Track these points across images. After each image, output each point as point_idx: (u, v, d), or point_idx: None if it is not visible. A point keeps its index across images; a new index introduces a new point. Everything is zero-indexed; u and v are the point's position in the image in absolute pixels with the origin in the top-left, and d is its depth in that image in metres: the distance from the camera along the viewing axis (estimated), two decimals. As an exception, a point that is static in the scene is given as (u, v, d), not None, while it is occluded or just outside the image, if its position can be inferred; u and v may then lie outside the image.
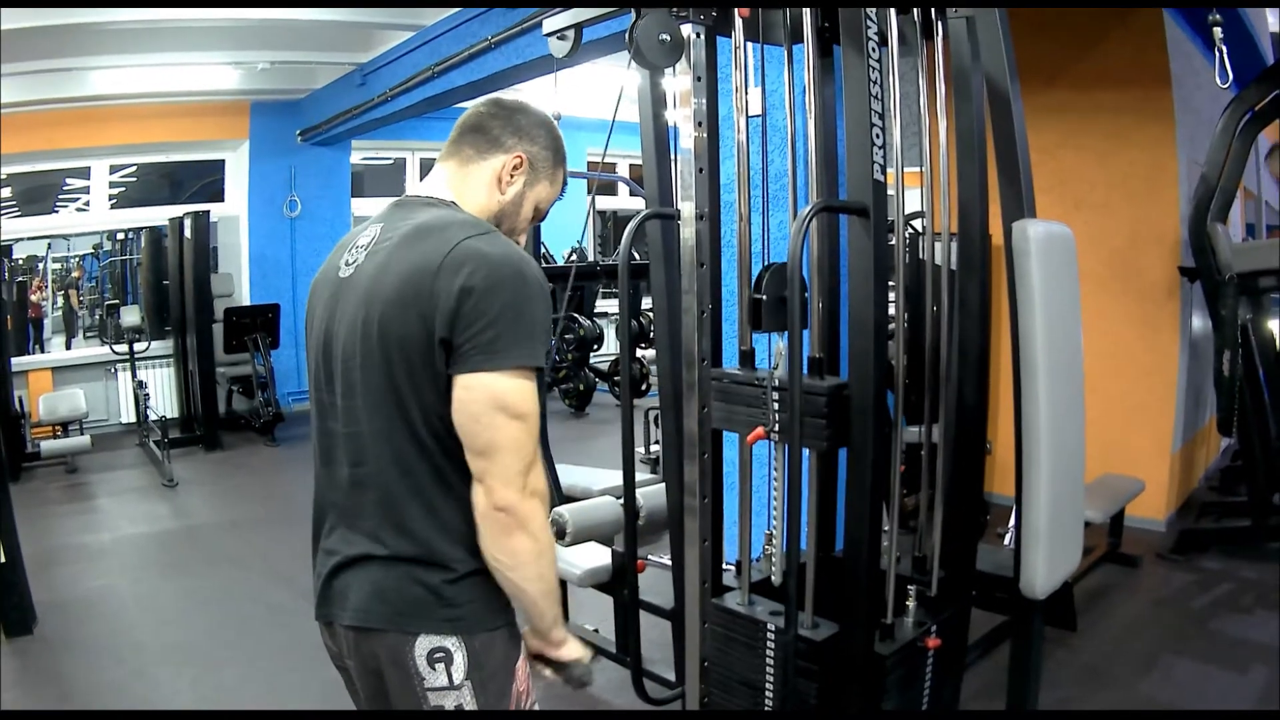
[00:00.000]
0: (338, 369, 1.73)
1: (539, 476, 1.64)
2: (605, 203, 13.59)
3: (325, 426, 1.79)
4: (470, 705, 1.66)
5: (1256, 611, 4.53)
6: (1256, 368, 5.18)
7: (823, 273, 2.84)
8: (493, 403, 1.58)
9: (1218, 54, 3.63)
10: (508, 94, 2.39)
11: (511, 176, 1.87)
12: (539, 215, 1.98)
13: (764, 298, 2.60)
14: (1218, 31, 3.66)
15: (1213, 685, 3.84)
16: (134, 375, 9.12)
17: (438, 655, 1.64)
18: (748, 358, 2.74)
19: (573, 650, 1.84)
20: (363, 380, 1.67)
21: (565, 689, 1.91)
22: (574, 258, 10.94)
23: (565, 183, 2.03)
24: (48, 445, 8.04)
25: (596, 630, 4.13)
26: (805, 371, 2.51)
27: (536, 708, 1.83)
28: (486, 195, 1.86)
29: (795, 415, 2.35)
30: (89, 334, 10.61)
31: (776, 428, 2.56)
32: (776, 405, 2.54)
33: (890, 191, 2.52)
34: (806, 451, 2.63)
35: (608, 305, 12.22)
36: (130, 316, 9.16)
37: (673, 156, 3.09)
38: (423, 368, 1.61)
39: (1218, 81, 3.67)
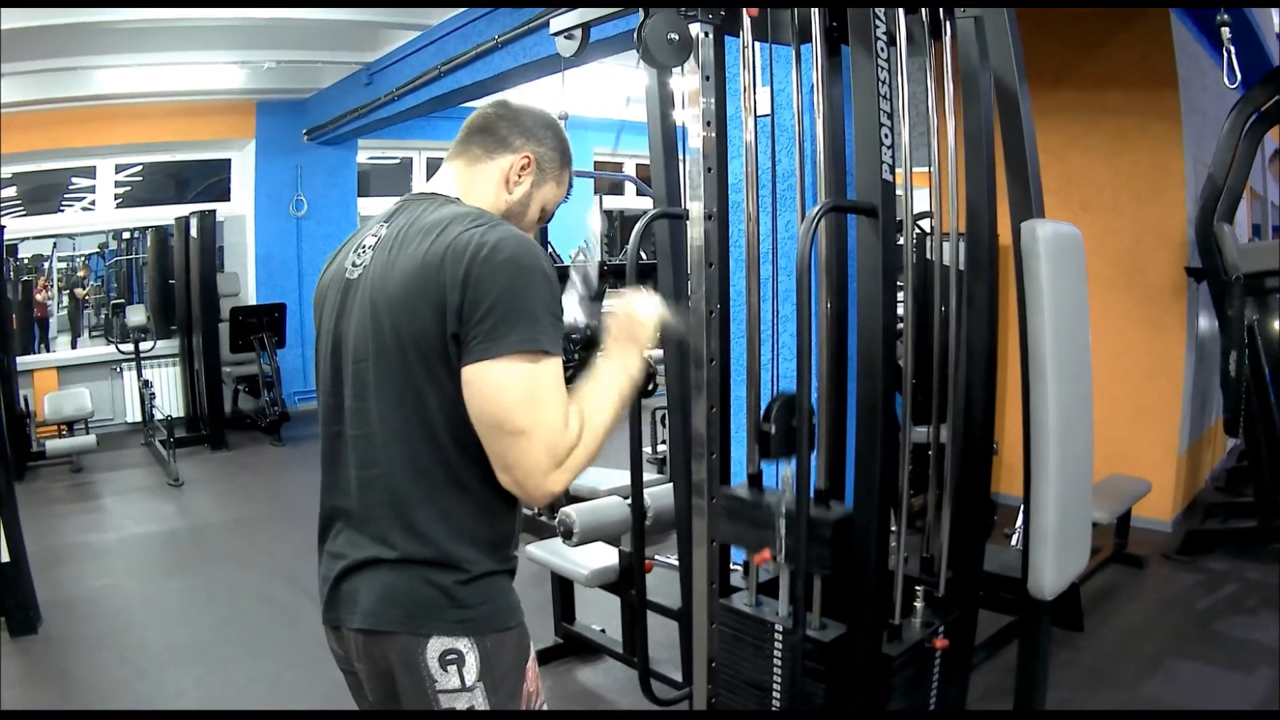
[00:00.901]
0: (347, 370, 1.72)
1: (562, 447, 1.59)
2: (612, 202, 13.58)
3: (332, 429, 1.77)
4: (482, 706, 1.65)
5: (1261, 613, 4.52)
6: (1263, 368, 5.17)
7: (830, 272, 2.83)
8: (493, 412, 1.56)
9: (1225, 55, 3.63)
10: (514, 94, 2.40)
11: (519, 177, 1.87)
12: (545, 216, 1.97)
13: (772, 430, 2.61)
14: (1225, 32, 3.66)
15: (1218, 687, 3.83)
16: (139, 375, 9.13)
17: (450, 657, 1.63)
18: (755, 480, 2.76)
19: (644, 328, 1.87)
20: (376, 380, 1.66)
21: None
22: (580, 257, 10.93)
23: (571, 184, 2.03)
24: (53, 444, 8.05)
25: (603, 630, 4.13)
26: (812, 496, 2.55)
27: (545, 708, 1.83)
28: (494, 195, 1.85)
29: (801, 543, 2.35)
30: (94, 333, 10.64)
31: (783, 553, 2.57)
32: (783, 530, 2.56)
33: (899, 191, 2.52)
34: (813, 455, 2.64)
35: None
36: (136, 316, 9.16)
37: (681, 156, 3.09)
38: (440, 364, 1.60)
39: (1226, 82, 3.67)
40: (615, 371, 1.79)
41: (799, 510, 2.40)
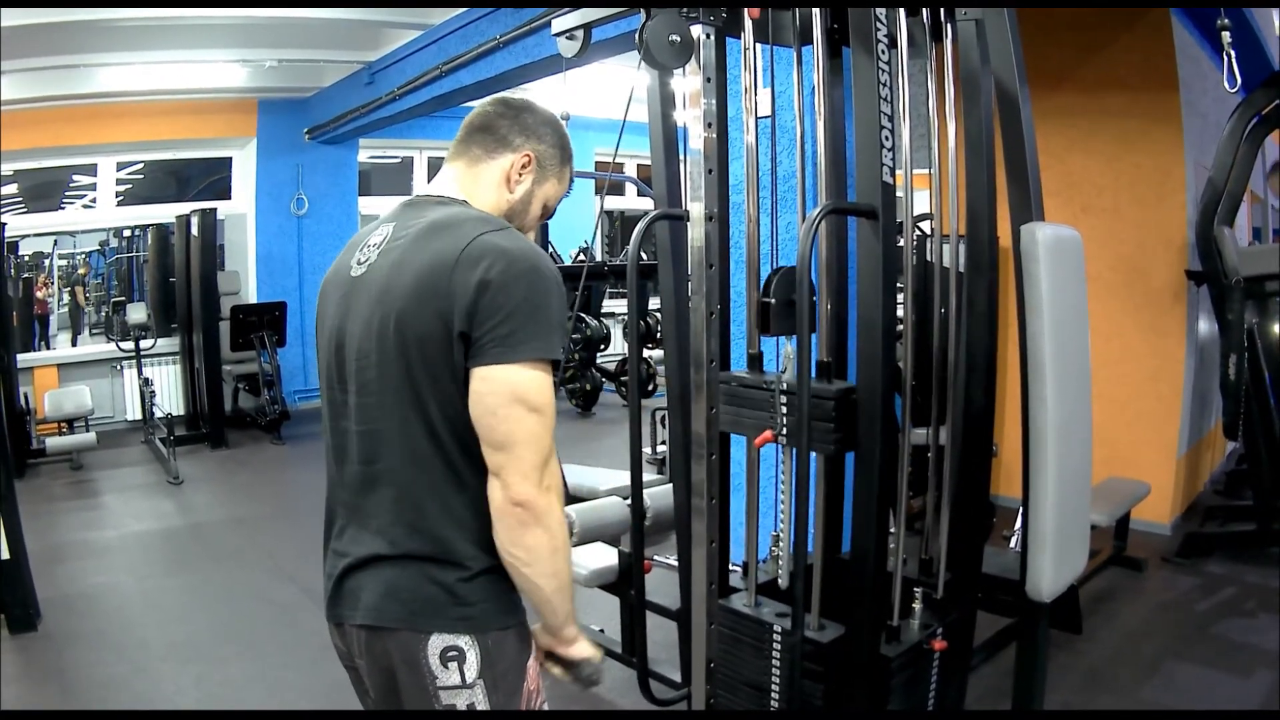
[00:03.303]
0: (351, 367, 1.73)
1: (555, 471, 1.64)
2: (613, 203, 13.60)
3: (338, 425, 1.79)
4: (482, 704, 1.66)
5: (1260, 616, 4.53)
6: (1262, 371, 5.17)
7: (831, 274, 2.84)
8: (510, 395, 1.58)
9: (1226, 58, 3.62)
10: (515, 93, 2.40)
11: (520, 175, 1.88)
12: (547, 213, 1.99)
13: (772, 301, 2.60)
14: (1226, 36, 3.66)
15: (1216, 690, 3.84)
16: (140, 372, 9.13)
17: (451, 654, 1.63)
18: (756, 361, 2.75)
19: (583, 649, 1.82)
20: (378, 378, 1.67)
21: (575, 688, 1.91)
22: (581, 257, 10.95)
23: (572, 180, 2.04)
24: (53, 442, 8.05)
25: (602, 630, 4.13)
26: (814, 375, 2.51)
27: (546, 707, 1.83)
28: (496, 194, 1.87)
29: (804, 420, 2.35)
30: (95, 331, 10.62)
31: (784, 431, 2.56)
32: (785, 409, 2.54)
33: (899, 194, 2.52)
34: (814, 454, 2.63)
35: (615, 305, 12.23)
36: (136, 314, 9.15)
37: (682, 157, 3.10)
38: (442, 363, 1.61)
39: (1226, 86, 3.67)
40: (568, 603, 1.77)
41: (800, 385, 2.37)
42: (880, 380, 2.42)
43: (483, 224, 1.68)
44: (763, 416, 2.61)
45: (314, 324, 1.93)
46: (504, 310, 1.58)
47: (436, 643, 1.64)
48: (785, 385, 2.54)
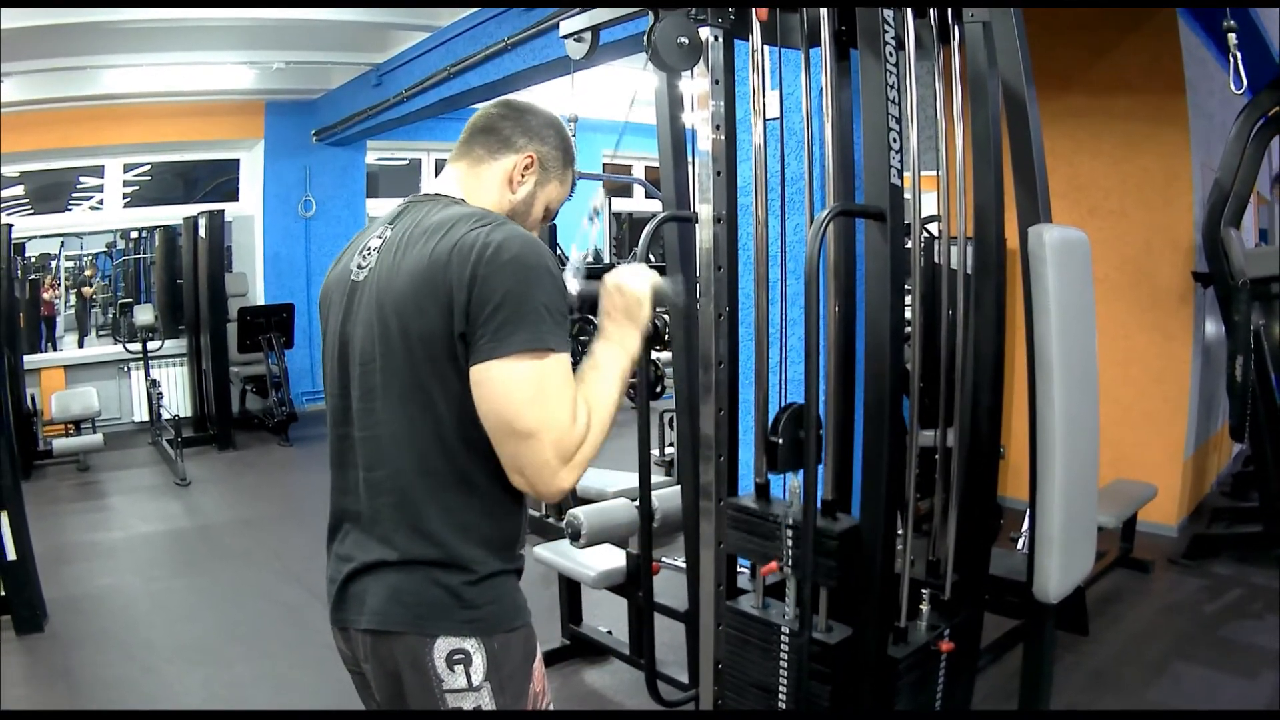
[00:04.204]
0: (354, 372, 1.73)
1: (571, 443, 1.59)
2: (621, 204, 13.57)
3: (340, 431, 1.78)
4: (489, 706, 1.65)
5: (1266, 617, 4.52)
6: (1269, 373, 5.16)
7: (839, 276, 2.84)
8: (499, 419, 1.56)
9: (1232, 60, 3.62)
10: (521, 95, 2.41)
11: (522, 176, 1.88)
12: (549, 215, 1.98)
13: (780, 441, 2.62)
14: (1232, 37, 3.65)
15: (1222, 691, 3.83)
16: (147, 374, 9.12)
17: (457, 657, 1.63)
18: (763, 491, 2.77)
19: (644, 307, 1.86)
20: (383, 382, 1.67)
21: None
22: (589, 259, 10.94)
23: (574, 183, 2.04)
24: (60, 443, 8.06)
25: (610, 632, 4.14)
26: (819, 509, 2.56)
27: (552, 708, 1.84)
28: (498, 195, 1.87)
29: (808, 555, 2.36)
30: (102, 332, 10.64)
31: (790, 563, 2.58)
32: (790, 542, 2.56)
33: (906, 195, 2.52)
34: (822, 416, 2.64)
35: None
36: (144, 315, 9.13)
37: (690, 159, 3.10)
38: (448, 364, 1.60)
39: (1233, 87, 3.67)
40: (613, 353, 1.80)
41: (805, 522, 2.41)
42: (889, 382, 2.42)
43: (473, 219, 1.67)
44: (769, 545, 2.64)
45: (319, 327, 1.93)
46: (490, 303, 1.56)
47: (443, 645, 1.63)
48: (791, 519, 2.55)
